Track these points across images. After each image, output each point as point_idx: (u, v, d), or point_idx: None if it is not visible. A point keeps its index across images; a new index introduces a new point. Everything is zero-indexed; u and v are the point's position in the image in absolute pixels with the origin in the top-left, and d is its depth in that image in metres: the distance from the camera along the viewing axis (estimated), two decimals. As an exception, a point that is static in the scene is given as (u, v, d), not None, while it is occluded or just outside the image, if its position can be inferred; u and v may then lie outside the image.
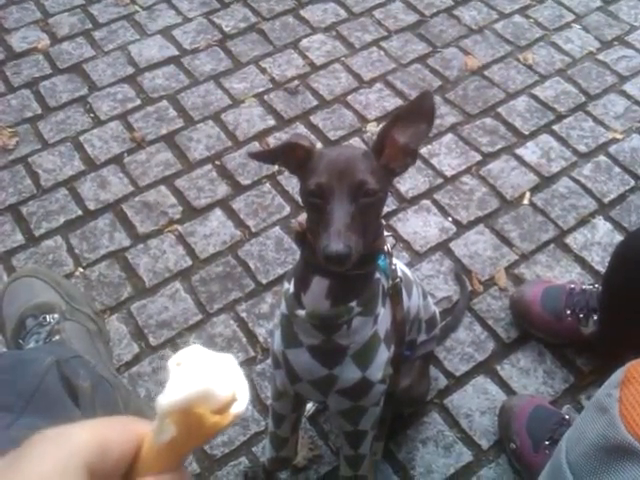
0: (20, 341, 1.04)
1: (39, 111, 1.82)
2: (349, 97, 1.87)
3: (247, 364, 1.36)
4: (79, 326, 1.05)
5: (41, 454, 0.31)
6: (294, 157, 0.81)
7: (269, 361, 1.34)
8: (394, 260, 0.96)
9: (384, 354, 0.90)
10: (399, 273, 0.96)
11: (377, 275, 0.87)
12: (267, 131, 1.79)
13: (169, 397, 0.32)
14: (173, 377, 0.33)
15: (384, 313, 0.88)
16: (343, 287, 0.82)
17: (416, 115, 0.78)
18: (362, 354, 0.87)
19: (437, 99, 1.85)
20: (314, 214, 0.78)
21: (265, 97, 1.87)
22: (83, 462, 0.31)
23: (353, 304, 0.83)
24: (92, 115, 1.82)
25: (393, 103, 1.84)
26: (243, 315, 1.43)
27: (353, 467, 1.09)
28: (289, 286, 0.89)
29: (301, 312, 0.85)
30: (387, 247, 0.88)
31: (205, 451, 1.25)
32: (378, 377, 0.90)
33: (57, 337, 1.01)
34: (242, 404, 0.33)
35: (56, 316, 1.04)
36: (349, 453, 1.06)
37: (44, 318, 1.04)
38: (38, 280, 1.11)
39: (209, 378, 0.33)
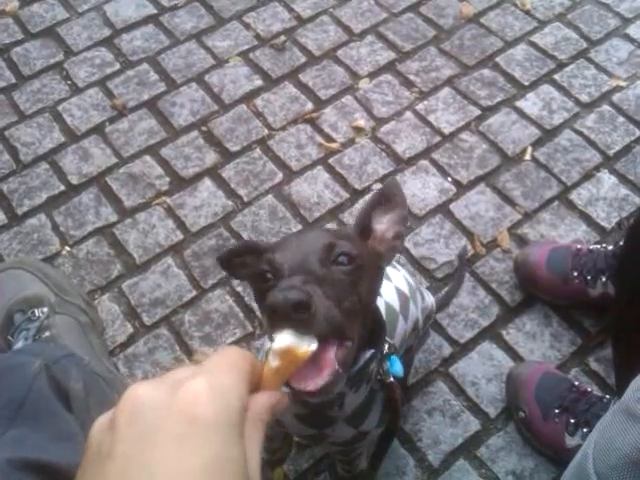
0: (9, 338, 0.99)
1: (13, 80, 1.73)
2: (339, 52, 1.78)
3: (245, 340, 1.32)
4: (70, 319, 1.00)
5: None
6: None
7: (268, 336, 1.31)
8: (398, 268, 0.89)
9: (380, 401, 0.80)
10: (404, 283, 0.89)
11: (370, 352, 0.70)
12: (254, 92, 1.71)
13: (279, 343, 0.48)
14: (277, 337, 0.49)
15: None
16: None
17: (390, 203, 0.69)
18: (356, 416, 0.78)
19: (432, 50, 1.77)
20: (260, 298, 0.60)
21: (250, 55, 1.78)
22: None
23: (346, 389, 0.72)
24: (69, 82, 1.72)
25: (386, 57, 1.75)
26: (239, 289, 1.38)
27: (350, 472, 1.06)
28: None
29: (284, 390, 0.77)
30: (384, 348, 0.74)
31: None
32: (374, 424, 0.81)
33: (47, 333, 0.95)
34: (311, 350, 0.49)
35: (45, 310, 0.99)
36: (344, 474, 1.03)
37: (33, 313, 0.98)
38: (25, 272, 1.05)
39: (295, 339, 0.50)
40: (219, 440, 0.33)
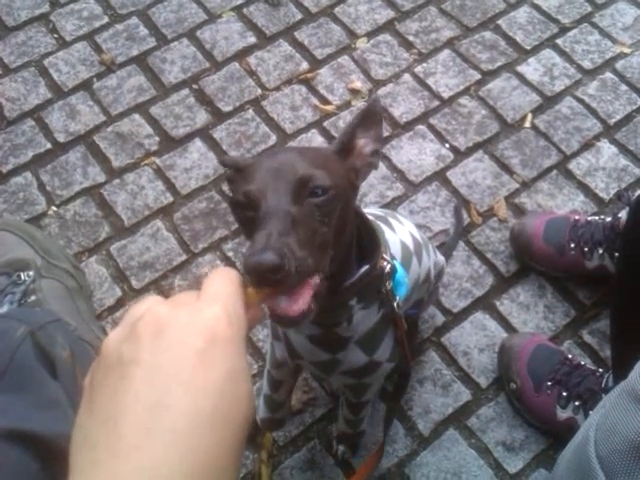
0: None
1: (-4, 31, 1.66)
2: (337, 9, 1.72)
3: (236, 306, 1.30)
4: (57, 284, 0.97)
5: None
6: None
7: (259, 303, 1.29)
8: (402, 222, 0.87)
9: (392, 337, 0.82)
10: (409, 238, 0.88)
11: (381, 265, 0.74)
12: (248, 50, 1.65)
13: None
14: None
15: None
16: (336, 288, 0.68)
17: (369, 121, 0.69)
18: (368, 340, 0.79)
19: (433, 10, 1.71)
20: (249, 232, 0.60)
21: (244, 10, 1.71)
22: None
23: (352, 302, 0.73)
24: (56, 36, 1.65)
25: (385, 15, 1.69)
26: (230, 254, 1.36)
27: (352, 427, 1.05)
28: None
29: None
30: (386, 267, 0.75)
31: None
32: (387, 357, 0.83)
33: (33, 297, 0.92)
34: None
35: (31, 273, 0.95)
36: (350, 417, 1.02)
37: (18, 276, 0.95)
38: (11, 234, 1.01)
39: None
40: (232, 357, 0.39)
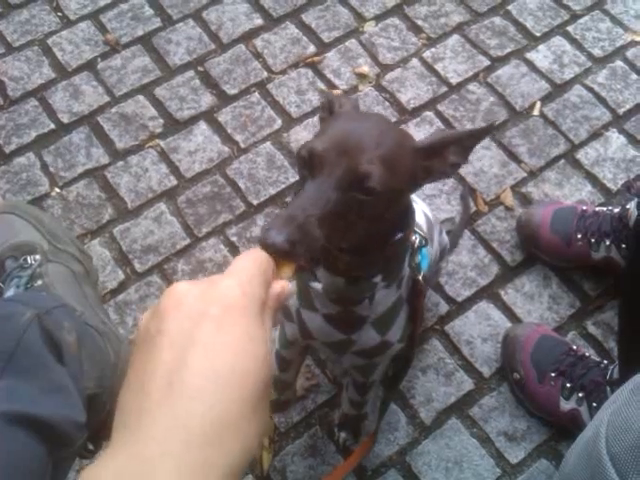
0: (0, 284, 0.95)
1: (-1, 9, 1.64)
2: (344, -9, 1.69)
3: (239, 291, 1.29)
4: (63, 268, 0.96)
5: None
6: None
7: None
8: (416, 201, 0.87)
9: (405, 314, 0.82)
10: (423, 218, 0.87)
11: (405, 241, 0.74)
12: (254, 31, 1.63)
13: None
14: None
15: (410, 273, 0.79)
16: (363, 263, 0.69)
17: (472, 140, 0.67)
18: (383, 320, 0.79)
19: (441, -5, 1.68)
20: (298, 186, 0.63)
21: (251, -8, 1.69)
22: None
23: (377, 279, 0.72)
24: (60, 14, 1.63)
25: (393, -1, 1.67)
26: (234, 239, 1.35)
27: (357, 408, 1.05)
28: None
29: (316, 285, 0.75)
30: (416, 240, 0.75)
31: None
32: (397, 337, 0.83)
33: (39, 282, 0.91)
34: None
35: (38, 257, 0.94)
36: (355, 398, 1.02)
37: (25, 260, 0.94)
38: (17, 217, 1.00)
39: None
40: (248, 322, 0.41)
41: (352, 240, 0.61)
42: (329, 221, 0.56)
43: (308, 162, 0.59)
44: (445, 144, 0.65)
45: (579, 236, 1.24)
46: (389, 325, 0.81)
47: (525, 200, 1.39)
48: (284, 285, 0.49)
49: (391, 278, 0.74)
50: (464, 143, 0.66)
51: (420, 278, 0.78)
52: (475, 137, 0.66)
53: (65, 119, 1.48)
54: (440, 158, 0.66)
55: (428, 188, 1.40)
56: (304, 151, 0.60)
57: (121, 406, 0.40)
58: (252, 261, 0.47)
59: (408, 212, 0.70)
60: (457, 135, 0.66)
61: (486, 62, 1.57)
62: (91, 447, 0.87)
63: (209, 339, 0.40)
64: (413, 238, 0.75)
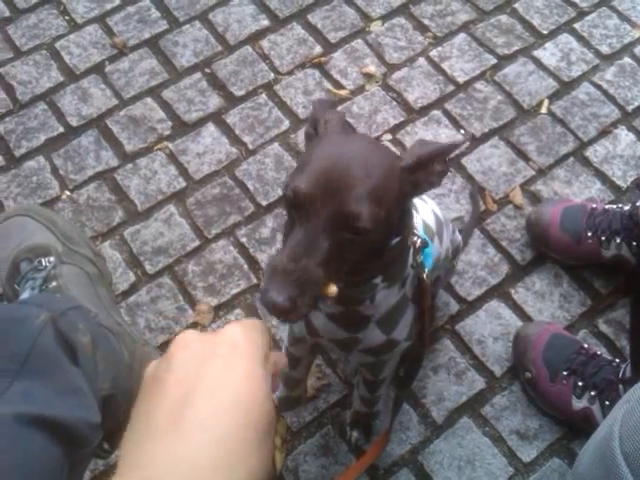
0: (16, 286, 0.95)
1: (7, 13, 1.64)
2: (350, -9, 1.69)
3: (250, 292, 1.29)
4: (77, 270, 0.96)
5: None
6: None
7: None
8: (426, 200, 0.88)
9: (411, 312, 0.82)
10: (432, 217, 0.87)
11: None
12: (260, 33, 1.63)
13: None
14: None
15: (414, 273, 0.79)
16: (361, 268, 0.68)
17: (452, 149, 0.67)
18: (388, 319, 0.79)
19: (447, -6, 1.68)
20: (287, 225, 0.62)
21: (257, -7, 1.69)
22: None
23: (377, 280, 0.72)
24: (67, 18, 1.64)
25: (399, -1, 1.67)
26: (243, 240, 1.35)
27: (368, 406, 1.06)
28: None
29: None
30: (417, 241, 0.75)
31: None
32: (404, 336, 0.83)
33: (54, 283, 0.92)
34: None
35: (52, 259, 0.95)
36: (366, 396, 1.02)
37: (39, 262, 0.94)
38: (31, 219, 1.01)
39: None
40: (252, 364, 0.43)
41: (350, 267, 0.63)
42: (324, 264, 0.57)
43: (294, 203, 0.59)
44: (431, 157, 0.64)
45: (589, 234, 1.24)
46: (394, 324, 0.81)
47: (534, 198, 1.39)
48: (280, 356, 0.51)
49: (392, 279, 0.74)
50: (446, 153, 0.65)
51: (424, 276, 0.78)
52: (455, 146, 0.67)
53: (74, 122, 1.49)
54: (426, 170, 0.65)
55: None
56: (289, 191, 0.59)
57: (127, 436, 0.41)
58: (251, 322, 0.49)
59: (404, 217, 0.70)
60: (440, 147, 0.65)
61: (493, 60, 1.57)
62: (107, 447, 0.87)
63: (215, 376, 0.42)
64: (414, 239, 0.75)
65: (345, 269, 0.62)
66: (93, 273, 0.99)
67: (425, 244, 0.76)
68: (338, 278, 0.61)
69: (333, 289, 0.59)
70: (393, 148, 1.45)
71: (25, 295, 0.92)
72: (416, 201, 0.90)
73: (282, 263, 0.56)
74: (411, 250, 0.76)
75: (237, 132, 1.48)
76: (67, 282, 0.93)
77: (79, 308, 0.84)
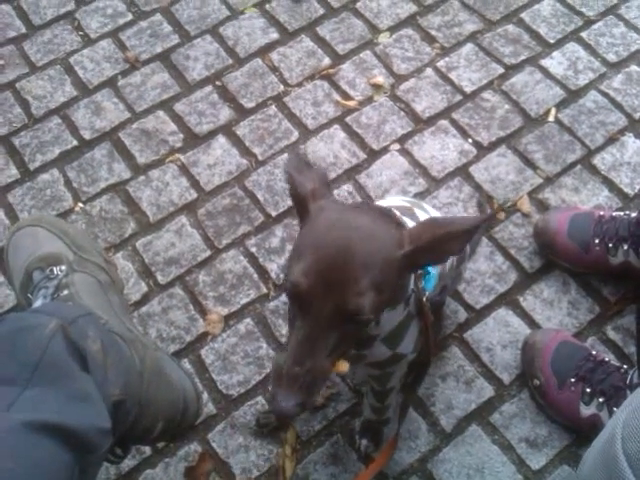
0: (29, 295, 0.98)
1: (23, 30, 1.68)
2: (358, 4, 1.72)
3: (259, 301, 1.31)
4: (89, 278, 0.98)
5: None
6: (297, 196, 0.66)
7: (282, 298, 1.30)
8: (428, 211, 0.90)
9: (417, 326, 0.83)
10: None
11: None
12: (270, 46, 1.66)
13: None
14: None
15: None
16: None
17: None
18: (393, 336, 0.80)
19: (455, 4, 1.70)
20: (290, 317, 0.63)
21: (266, 6, 1.72)
22: None
23: None
24: (81, 33, 1.68)
25: (407, 10, 1.69)
26: (253, 250, 1.37)
27: (378, 414, 1.06)
28: None
29: None
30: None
31: (221, 391, 1.23)
32: (410, 349, 0.85)
33: (66, 292, 0.94)
34: None
35: (63, 268, 0.97)
36: (376, 405, 1.03)
37: (51, 271, 0.97)
38: (43, 229, 1.03)
39: None
40: None
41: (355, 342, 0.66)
42: (330, 354, 0.59)
43: (295, 297, 0.59)
44: (435, 243, 0.61)
45: (597, 241, 1.24)
46: (398, 340, 0.82)
47: (542, 206, 1.40)
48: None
49: (395, 303, 0.75)
50: (460, 238, 0.62)
51: (424, 299, 0.78)
52: (471, 232, 0.61)
53: (87, 136, 1.52)
54: (431, 253, 0.62)
55: (444, 196, 1.41)
56: (289, 284, 0.59)
57: None
58: None
59: (404, 285, 0.72)
60: (450, 231, 0.61)
61: (500, 70, 1.58)
62: (119, 452, 0.89)
63: None
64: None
65: (350, 347, 0.64)
66: (104, 280, 1.00)
67: (425, 272, 0.77)
68: (345, 355, 0.63)
69: (344, 366, 0.60)
70: (401, 159, 1.46)
71: (38, 304, 0.94)
72: (419, 213, 0.90)
73: (288, 367, 0.57)
74: (412, 278, 0.76)
75: (247, 143, 1.50)
76: (79, 290, 0.95)
77: (90, 315, 0.86)
